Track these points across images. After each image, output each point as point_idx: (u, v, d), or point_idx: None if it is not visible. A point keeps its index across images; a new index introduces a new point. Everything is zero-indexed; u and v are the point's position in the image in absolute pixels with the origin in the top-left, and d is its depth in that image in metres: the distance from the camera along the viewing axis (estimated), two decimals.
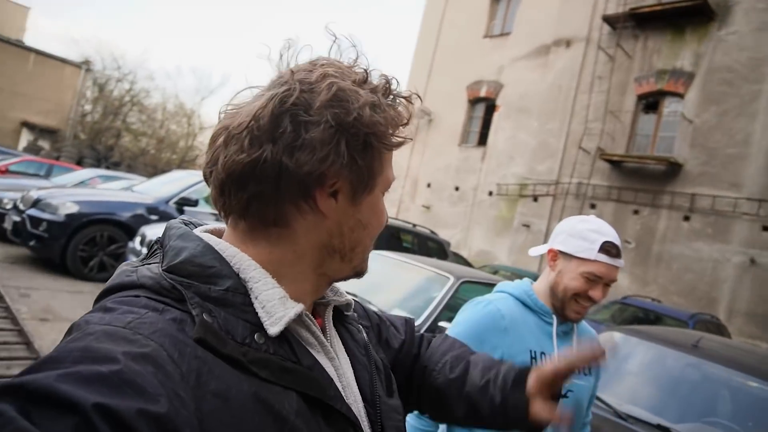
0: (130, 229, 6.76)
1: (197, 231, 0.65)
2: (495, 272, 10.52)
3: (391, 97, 0.64)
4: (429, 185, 17.25)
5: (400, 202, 17.79)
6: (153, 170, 23.32)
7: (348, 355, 0.72)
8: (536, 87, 15.03)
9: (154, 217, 7.02)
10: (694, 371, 3.23)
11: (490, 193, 15.55)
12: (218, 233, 0.67)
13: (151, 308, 0.52)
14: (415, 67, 18.63)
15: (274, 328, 0.56)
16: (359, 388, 0.69)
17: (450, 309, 4.31)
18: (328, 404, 0.59)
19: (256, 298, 0.58)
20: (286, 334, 0.59)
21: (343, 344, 0.73)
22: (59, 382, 0.41)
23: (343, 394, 0.63)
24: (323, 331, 0.69)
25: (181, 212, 7.32)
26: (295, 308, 0.59)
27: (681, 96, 12.42)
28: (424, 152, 17.48)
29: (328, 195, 0.61)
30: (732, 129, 11.43)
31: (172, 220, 0.67)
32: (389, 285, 4.68)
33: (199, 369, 0.49)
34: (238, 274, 0.59)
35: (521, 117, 15.24)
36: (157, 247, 0.63)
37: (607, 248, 1.45)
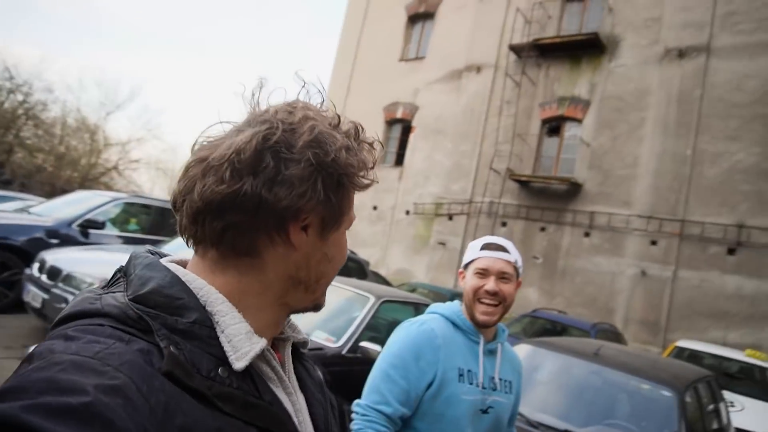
0: (26, 254, 6.21)
1: (164, 261, 0.65)
2: (413, 290, 10.72)
3: (359, 141, 0.68)
4: None
5: None
6: (51, 189, 21.57)
7: (304, 392, 0.73)
8: (450, 109, 15.68)
9: (54, 241, 6.50)
10: (596, 378, 3.50)
11: (407, 212, 15.91)
12: (183, 264, 0.67)
13: (117, 338, 0.52)
14: (333, 87, 18.80)
15: (239, 363, 0.57)
16: (314, 425, 0.71)
17: (371, 329, 4.37)
18: None
19: (223, 332, 0.58)
20: (249, 369, 0.60)
21: (300, 380, 0.74)
22: (25, 413, 0.40)
23: (299, 430, 0.64)
24: (282, 366, 0.70)
25: (86, 235, 6.86)
26: (260, 343, 0.60)
27: (579, 121, 13.48)
28: None
29: (300, 229, 0.63)
30: (623, 152, 12.55)
31: (137, 250, 0.66)
32: None
33: (166, 403, 0.49)
34: (204, 307, 0.59)
35: (436, 138, 15.79)
36: (120, 275, 0.63)
37: (487, 245, 1.64)
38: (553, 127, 14.17)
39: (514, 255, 1.64)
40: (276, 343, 0.72)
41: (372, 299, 4.49)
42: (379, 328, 4.67)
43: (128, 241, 7.39)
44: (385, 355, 1.58)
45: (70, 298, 4.29)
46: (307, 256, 0.65)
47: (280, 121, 0.62)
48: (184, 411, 0.50)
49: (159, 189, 31.52)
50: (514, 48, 14.53)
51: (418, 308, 5.26)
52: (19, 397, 0.42)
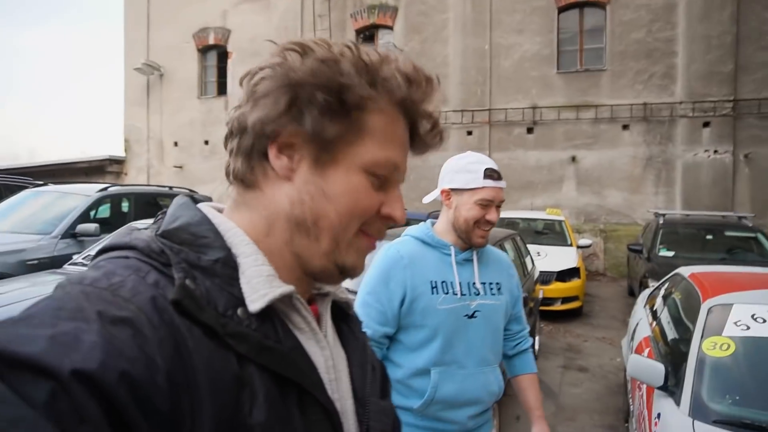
0: None
1: (200, 205, 0.65)
2: None
3: (356, 56, 0.60)
4: (176, 144, 16.40)
5: (149, 167, 16.60)
6: None
7: (345, 351, 0.70)
8: (264, 30, 15.18)
9: None
10: None
11: None
12: (219, 210, 0.67)
13: (135, 269, 0.52)
14: (129, 20, 16.93)
15: (255, 305, 0.55)
16: (352, 385, 0.68)
17: None
18: (306, 390, 0.58)
19: (243, 273, 0.57)
20: (272, 315, 0.58)
21: (342, 338, 0.71)
22: (33, 344, 0.40)
23: (327, 385, 0.62)
24: (318, 319, 0.67)
25: None
26: (281, 288, 0.58)
27: (391, 28, 14.05)
28: (163, 110, 16.41)
29: (278, 151, 0.60)
30: (433, 53, 13.50)
31: (179, 195, 0.67)
32: None
33: (175, 336, 0.48)
34: (230, 249, 0.58)
35: (255, 60, 14.89)
36: (160, 215, 0.63)
37: (489, 173, 1.62)
38: (367, 36, 14.59)
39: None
40: (315, 298, 0.70)
41: None
42: None
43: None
44: (364, 283, 1.68)
45: None
46: (299, 189, 0.61)
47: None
48: (192, 347, 0.49)
49: None
50: None
51: None
52: (30, 327, 0.42)
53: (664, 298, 4.07)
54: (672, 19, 11.62)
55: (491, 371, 1.71)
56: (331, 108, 0.58)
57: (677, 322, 3.36)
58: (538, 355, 5.92)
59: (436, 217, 1.80)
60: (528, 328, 1.91)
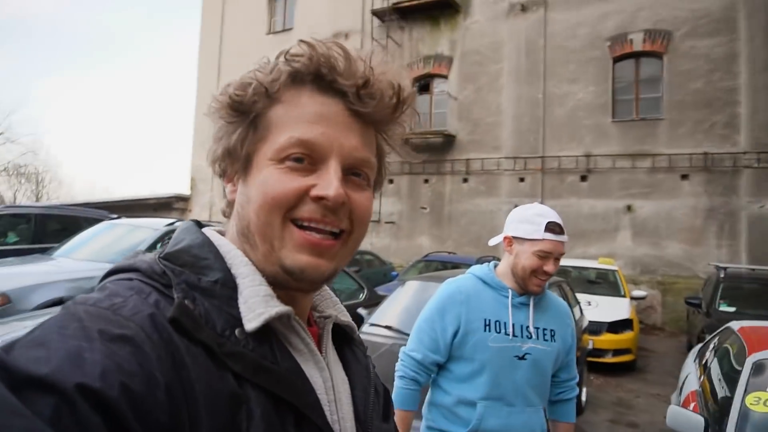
0: None
1: (204, 229, 0.67)
2: None
3: (258, 69, 0.63)
4: None
5: (212, 205, 17.51)
6: None
7: (347, 372, 0.70)
8: None
9: None
10: None
11: None
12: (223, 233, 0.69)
13: (137, 290, 0.53)
14: (203, 70, 18.30)
15: (251, 324, 0.56)
16: (354, 408, 0.68)
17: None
18: (302, 412, 0.57)
19: (241, 293, 0.58)
20: (270, 336, 0.58)
21: (344, 361, 0.72)
22: (38, 361, 0.42)
23: (326, 407, 0.61)
24: (318, 341, 0.68)
25: None
26: (278, 308, 0.58)
27: (445, 77, 14.50)
28: None
29: (227, 182, 0.66)
30: (487, 101, 13.79)
31: (186, 220, 0.70)
32: None
33: (174, 354, 0.49)
34: (230, 269, 0.60)
35: None
36: (167, 240, 0.73)
37: (551, 227, 1.71)
38: (423, 84, 15.08)
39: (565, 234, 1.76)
40: (317, 321, 0.72)
41: None
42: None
43: (11, 254, 7.14)
44: (424, 310, 1.84)
45: None
46: (237, 203, 0.64)
47: None
48: (190, 365, 0.50)
49: (23, 195, 28.80)
50: (376, 13, 15.10)
51: None
52: (36, 346, 0.44)
53: (714, 351, 3.95)
54: (733, 69, 11.40)
55: (535, 412, 1.76)
56: (236, 125, 0.62)
57: (723, 376, 3.27)
58: (586, 408, 5.75)
59: (484, 262, 1.96)
60: (577, 378, 1.95)
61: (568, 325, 1.87)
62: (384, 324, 4.05)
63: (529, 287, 1.75)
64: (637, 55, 12.50)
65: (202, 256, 0.60)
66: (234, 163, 0.63)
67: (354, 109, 0.62)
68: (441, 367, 1.79)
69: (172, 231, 7.43)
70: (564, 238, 1.73)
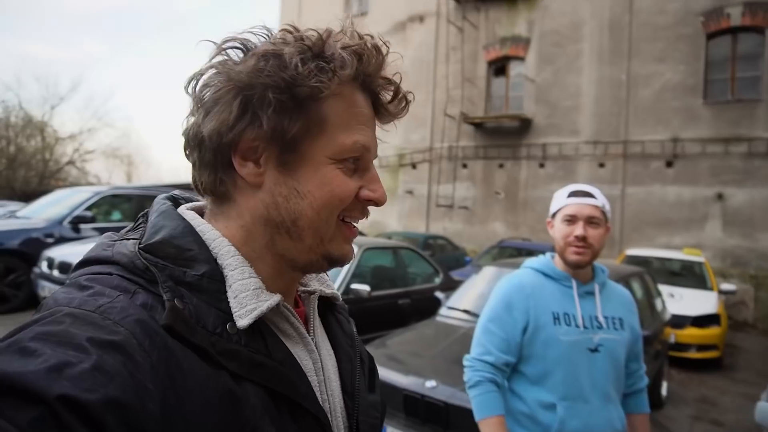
0: (26, 256, 6.66)
1: (182, 209, 0.63)
2: (389, 238, 11.48)
3: (312, 48, 0.57)
4: None
5: None
6: (10, 191, 21.27)
7: (333, 345, 0.70)
8: (399, 62, 16.03)
9: (50, 240, 6.95)
10: None
11: None
12: (201, 212, 0.64)
13: (123, 290, 0.51)
14: None
15: (243, 320, 0.54)
16: (341, 380, 0.68)
17: (356, 275, 5.08)
18: (296, 401, 0.57)
19: (230, 286, 0.56)
20: (261, 326, 0.57)
21: (330, 333, 0.71)
22: (21, 369, 0.40)
23: (316, 390, 0.62)
24: (306, 320, 0.67)
25: (77, 231, 7.30)
26: (268, 301, 0.57)
27: (522, 59, 14.12)
28: None
29: (243, 159, 0.58)
30: (565, 84, 13.31)
31: (159, 196, 0.65)
32: None
33: (167, 360, 0.47)
34: (215, 260, 0.57)
35: None
36: (142, 220, 0.62)
37: (574, 192, 1.67)
38: (499, 67, 14.79)
39: (601, 200, 1.65)
40: (302, 297, 0.70)
41: (355, 248, 5.17)
42: (363, 274, 5.39)
43: (116, 230, 7.85)
44: (485, 311, 1.73)
45: None
46: (271, 192, 0.59)
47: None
48: (185, 370, 0.48)
49: (116, 177, 31.14)
50: None
51: (396, 251, 6.00)
52: (18, 351, 0.42)
53: None
54: None
55: (614, 408, 1.67)
56: (285, 105, 0.56)
57: None
58: (666, 402, 5.60)
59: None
60: (644, 368, 1.87)
61: (633, 312, 1.78)
62: (462, 308, 4.15)
63: (568, 258, 1.65)
64: (734, 31, 11.58)
65: (186, 247, 0.56)
66: (271, 145, 0.58)
67: (378, 111, 0.65)
68: (512, 370, 1.69)
69: (113, 195, 8.09)
70: (590, 200, 1.63)
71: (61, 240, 6.99)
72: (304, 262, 0.62)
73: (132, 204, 8.41)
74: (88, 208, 7.61)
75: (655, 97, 12.15)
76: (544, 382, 1.62)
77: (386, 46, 0.63)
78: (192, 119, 0.59)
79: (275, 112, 0.55)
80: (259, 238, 0.60)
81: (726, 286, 8.30)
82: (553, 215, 1.71)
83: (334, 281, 4.75)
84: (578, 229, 1.62)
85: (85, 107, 40.60)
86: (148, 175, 33.57)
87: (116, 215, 8.35)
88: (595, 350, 1.63)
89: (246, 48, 0.58)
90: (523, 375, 1.66)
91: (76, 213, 7.37)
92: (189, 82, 0.59)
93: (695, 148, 11.63)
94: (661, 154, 12.02)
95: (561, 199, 1.69)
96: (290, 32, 0.58)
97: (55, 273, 5.74)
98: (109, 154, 29.90)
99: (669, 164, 11.96)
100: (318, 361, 0.64)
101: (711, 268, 8.86)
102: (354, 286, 4.73)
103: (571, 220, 1.64)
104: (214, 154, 0.58)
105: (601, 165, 12.72)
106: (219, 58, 0.58)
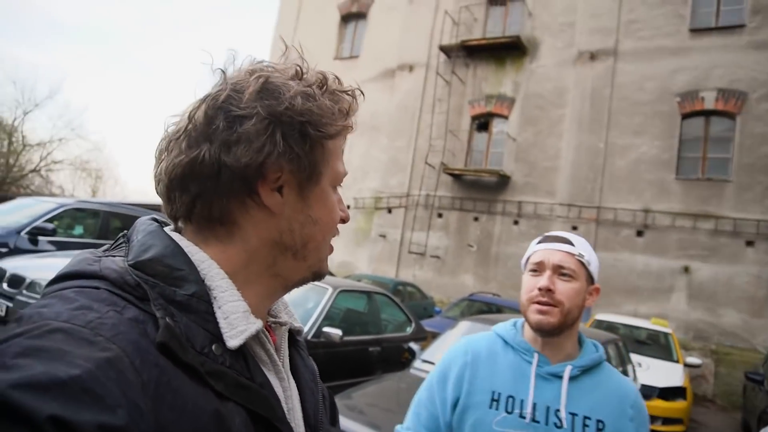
0: None
1: (167, 230, 0.63)
2: (358, 281, 11.29)
3: (326, 89, 0.63)
4: None
5: None
6: None
7: (296, 379, 0.70)
8: (385, 107, 16.28)
9: (3, 250, 6.52)
10: None
11: (348, 207, 16.32)
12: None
13: (112, 305, 0.50)
14: None
15: (233, 341, 0.55)
16: (304, 413, 0.68)
17: (328, 317, 4.88)
18: (274, 425, 0.58)
19: (220, 308, 0.56)
20: (243, 350, 0.58)
21: (293, 368, 0.71)
22: (9, 386, 0.38)
23: (288, 416, 0.62)
24: (277, 350, 0.68)
25: (35, 243, 6.89)
26: (255, 324, 0.58)
27: (506, 117, 14.48)
28: None
29: (271, 189, 0.60)
30: (545, 146, 13.66)
31: (143, 218, 0.65)
32: None
33: (158, 378, 0.47)
34: (203, 281, 0.57)
35: (372, 134, 16.35)
36: (122, 240, 0.61)
37: (546, 237, 1.34)
38: (482, 123, 15.12)
39: (580, 248, 1.29)
40: (272, 327, 0.70)
41: (330, 290, 4.99)
42: (334, 317, 5.19)
43: (77, 246, 7.45)
44: (427, 376, 1.44)
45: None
46: (288, 219, 0.61)
47: (230, 83, 0.60)
48: (176, 389, 0.48)
49: (81, 190, 30.24)
50: (443, 48, 15.33)
51: (371, 296, 5.82)
52: (5, 367, 0.40)
53: None
54: None
55: None
56: (315, 141, 0.61)
57: None
58: None
59: None
60: None
61: (630, 417, 1.23)
62: (437, 362, 3.98)
63: (530, 319, 1.27)
64: (707, 114, 12.17)
65: (176, 266, 0.56)
66: (294, 176, 0.61)
67: None
68: None
69: (77, 209, 7.72)
70: (562, 246, 1.28)
71: (16, 251, 6.57)
72: (298, 280, 0.66)
73: (98, 220, 8.03)
74: (50, 220, 7.22)
75: (630, 168, 12.53)
76: None
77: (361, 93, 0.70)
78: (200, 150, 0.57)
79: (310, 146, 0.60)
80: (262, 260, 0.62)
81: (692, 360, 8.33)
82: (524, 267, 1.36)
83: (306, 323, 4.56)
84: (542, 280, 1.26)
85: (59, 116, 40.01)
86: (114, 192, 32.69)
87: (78, 230, 7.94)
88: None
89: (267, 79, 0.60)
90: None
91: (37, 224, 6.97)
92: (195, 111, 0.59)
93: (665, 220, 11.94)
94: (632, 222, 12.29)
95: (531, 247, 1.35)
96: (326, 77, 0.64)
97: (4, 286, 5.34)
98: (78, 166, 29.08)
99: (639, 233, 12.22)
100: (288, 389, 0.66)
101: (677, 339, 8.91)
102: (326, 329, 4.52)
103: (537, 269, 1.29)
104: (234, 183, 0.58)
105: (574, 228, 12.91)
106: (232, 89, 0.59)
